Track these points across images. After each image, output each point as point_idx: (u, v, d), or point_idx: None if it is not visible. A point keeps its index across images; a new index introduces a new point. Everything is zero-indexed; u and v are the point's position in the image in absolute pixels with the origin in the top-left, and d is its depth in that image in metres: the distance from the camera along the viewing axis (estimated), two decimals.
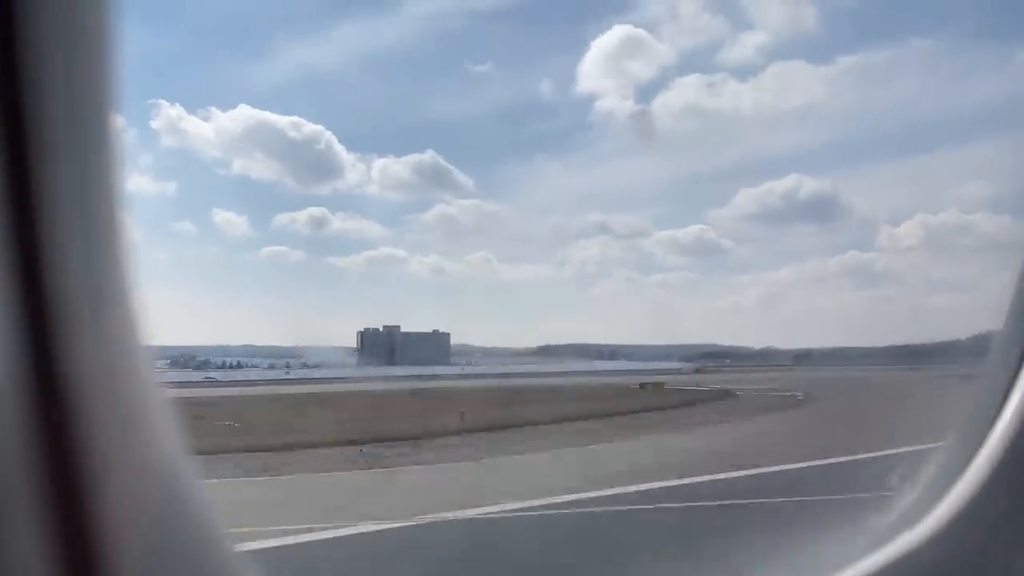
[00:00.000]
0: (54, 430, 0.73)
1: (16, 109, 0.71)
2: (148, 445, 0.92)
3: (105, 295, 0.84)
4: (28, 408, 0.71)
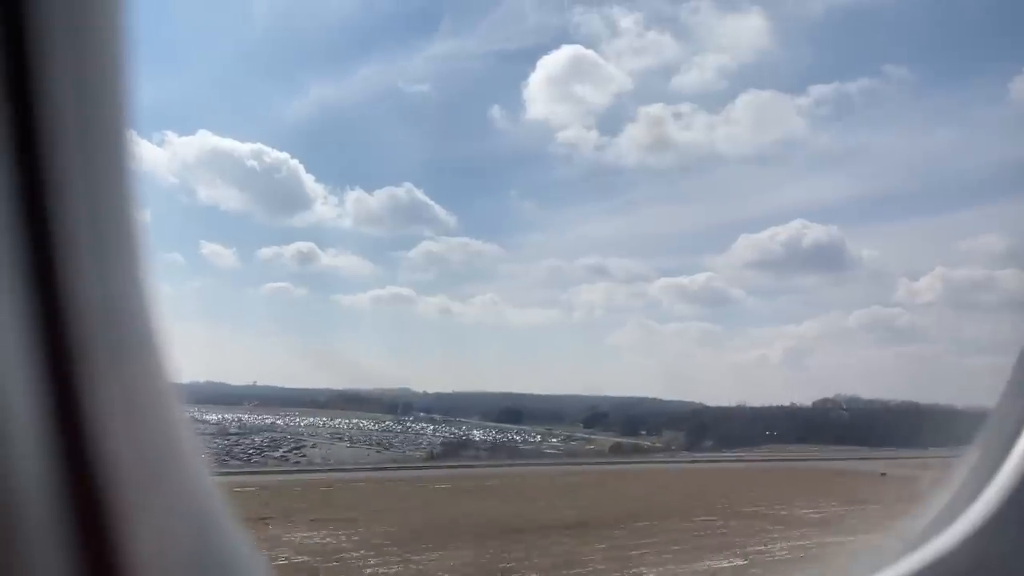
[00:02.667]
0: (77, 467, 0.72)
1: (28, 129, 0.69)
2: (178, 482, 0.91)
3: (127, 324, 0.82)
4: (50, 444, 0.70)
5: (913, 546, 1.51)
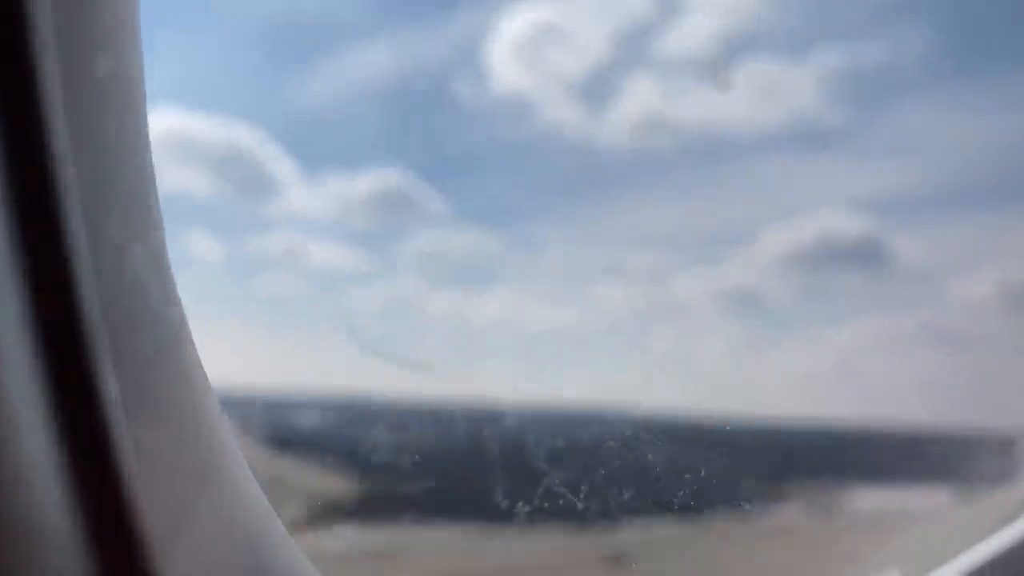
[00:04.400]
0: (94, 473, 0.67)
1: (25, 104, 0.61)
2: (217, 487, 0.84)
3: (150, 310, 0.77)
4: (62, 447, 0.64)
5: (1007, 520, 1.50)
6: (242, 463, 0.89)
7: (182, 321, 0.81)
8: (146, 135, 0.78)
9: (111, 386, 0.67)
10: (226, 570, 0.82)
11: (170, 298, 0.79)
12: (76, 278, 0.65)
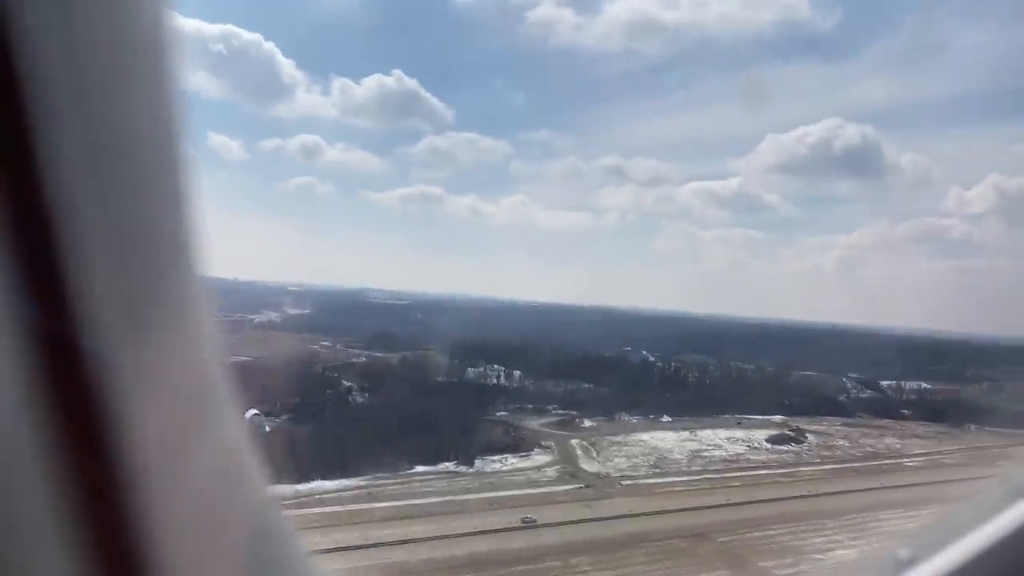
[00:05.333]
0: (88, 459, 0.66)
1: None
2: (222, 477, 0.84)
3: (154, 279, 0.75)
4: (52, 432, 0.64)
5: (993, 512, 1.48)
6: (247, 442, 0.86)
7: (195, 274, 0.79)
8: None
9: (103, 355, 0.65)
10: (220, 555, 0.79)
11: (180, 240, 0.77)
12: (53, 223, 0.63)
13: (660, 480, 54.50)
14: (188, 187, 0.79)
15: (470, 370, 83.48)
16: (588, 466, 56.96)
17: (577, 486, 51.60)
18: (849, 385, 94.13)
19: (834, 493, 50.54)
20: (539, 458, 58.14)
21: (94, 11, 0.68)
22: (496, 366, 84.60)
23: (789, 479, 55.93)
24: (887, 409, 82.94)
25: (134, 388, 0.69)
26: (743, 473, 57.42)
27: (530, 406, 75.41)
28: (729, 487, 53.12)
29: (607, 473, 55.38)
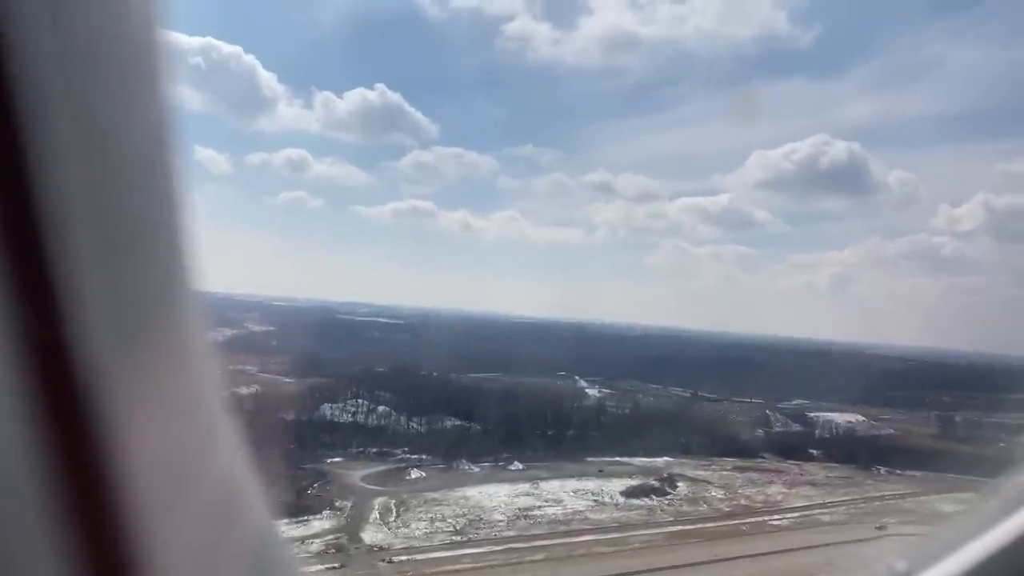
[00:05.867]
0: (79, 470, 0.67)
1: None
2: (215, 491, 0.85)
3: (150, 294, 0.76)
4: (42, 442, 0.64)
5: (986, 526, 1.50)
6: (240, 453, 0.89)
7: (189, 286, 0.79)
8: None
9: (95, 370, 0.65)
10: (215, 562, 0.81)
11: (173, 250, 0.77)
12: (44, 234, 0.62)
13: (448, 553, 45.42)
14: (181, 193, 0.80)
15: (328, 405, 74.87)
16: (372, 535, 47.97)
17: (331, 566, 42.65)
18: (773, 417, 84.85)
19: (642, 572, 41.35)
20: (319, 524, 49.16)
21: (86, 13, 0.68)
22: (361, 400, 75.98)
23: (612, 548, 46.65)
24: (797, 447, 73.30)
25: (126, 395, 0.70)
26: (561, 541, 48.16)
27: (375, 450, 66.56)
28: (527, 561, 44.00)
29: (389, 544, 46.41)
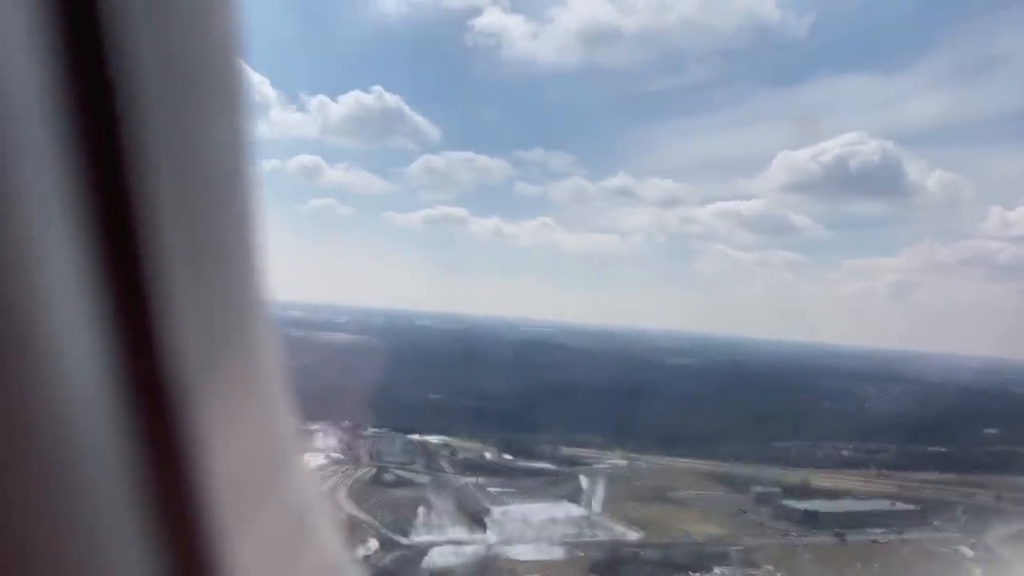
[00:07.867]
0: (166, 472, 0.71)
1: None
2: (283, 496, 0.89)
3: (229, 316, 0.79)
4: (134, 444, 0.69)
5: None
6: (303, 461, 0.94)
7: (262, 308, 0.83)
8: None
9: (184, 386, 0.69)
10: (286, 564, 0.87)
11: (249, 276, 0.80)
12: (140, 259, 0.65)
13: None
14: (257, 206, 0.83)
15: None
16: None
17: None
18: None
19: None
20: None
21: (180, 25, 0.71)
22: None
23: None
24: None
25: (211, 415, 0.74)
26: None
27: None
28: None
29: None
